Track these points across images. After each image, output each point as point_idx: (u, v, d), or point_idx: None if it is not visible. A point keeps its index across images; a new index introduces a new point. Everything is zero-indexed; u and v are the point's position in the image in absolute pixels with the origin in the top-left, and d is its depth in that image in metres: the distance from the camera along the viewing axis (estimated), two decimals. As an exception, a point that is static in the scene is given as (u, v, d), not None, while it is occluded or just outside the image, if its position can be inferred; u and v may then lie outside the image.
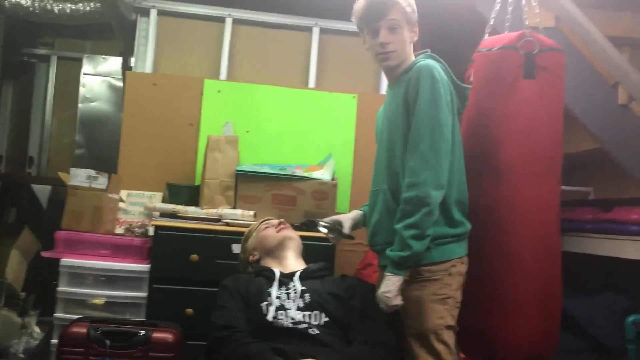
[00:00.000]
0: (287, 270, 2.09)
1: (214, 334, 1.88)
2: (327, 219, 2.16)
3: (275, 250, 2.17)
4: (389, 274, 1.81)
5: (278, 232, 2.20)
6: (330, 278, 2.13)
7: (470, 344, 2.17)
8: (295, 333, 1.86)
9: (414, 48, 2.03)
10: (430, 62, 1.91)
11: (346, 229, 2.11)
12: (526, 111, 2.02)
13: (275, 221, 2.27)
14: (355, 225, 2.16)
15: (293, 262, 2.15)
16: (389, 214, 1.93)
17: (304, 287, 1.99)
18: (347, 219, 2.15)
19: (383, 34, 1.93)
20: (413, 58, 2.01)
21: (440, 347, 1.82)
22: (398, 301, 1.80)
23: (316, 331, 1.87)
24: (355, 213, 2.19)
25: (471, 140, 2.13)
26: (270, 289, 1.98)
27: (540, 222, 2.02)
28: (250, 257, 2.22)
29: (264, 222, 2.28)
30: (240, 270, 2.28)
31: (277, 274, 2.04)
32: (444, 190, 1.82)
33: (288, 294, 1.97)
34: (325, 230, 2.12)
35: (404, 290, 1.83)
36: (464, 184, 1.96)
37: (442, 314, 1.85)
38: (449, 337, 1.85)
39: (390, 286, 1.79)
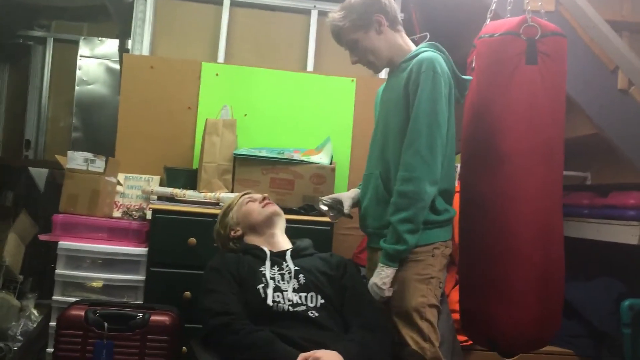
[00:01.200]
0: (276, 249, 2.04)
1: (211, 321, 1.79)
2: (328, 197, 2.21)
3: (261, 227, 2.10)
4: (383, 265, 1.88)
5: (263, 207, 2.12)
6: (318, 255, 2.09)
7: (472, 328, 2.19)
8: (295, 317, 1.83)
9: (414, 30, 2.04)
10: (433, 54, 1.91)
11: (346, 208, 2.16)
12: (528, 98, 2.01)
13: (259, 195, 2.18)
14: (355, 204, 2.19)
15: (280, 239, 2.10)
16: (377, 200, 1.99)
17: (297, 267, 1.96)
18: (347, 197, 2.18)
19: (350, 55, 2.08)
20: (401, 41, 2.05)
21: (423, 324, 1.87)
22: (390, 293, 1.88)
23: (315, 314, 1.85)
24: (355, 192, 2.21)
25: (473, 127, 2.13)
26: (262, 269, 1.93)
27: (542, 209, 2.02)
28: (232, 233, 2.13)
29: (246, 196, 2.20)
30: (219, 247, 2.19)
31: (268, 253, 1.99)
32: (438, 186, 1.88)
33: (282, 274, 1.94)
34: (325, 208, 2.17)
35: None
36: (453, 173, 2.01)
37: (425, 292, 1.89)
38: (432, 315, 1.91)
39: (384, 278, 1.87)
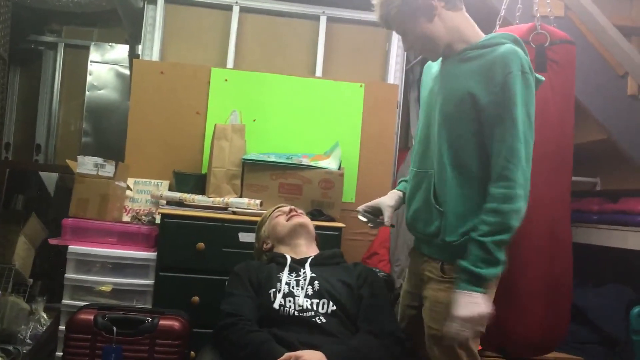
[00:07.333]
0: (299, 257, 2.07)
1: (220, 320, 1.87)
2: (366, 206, 2.03)
3: (286, 238, 2.15)
4: (469, 291, 1.62)
5: (288, 220, 2.17)
6: (343, 265, 2.11)
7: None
8: (300, 321, 1.86)
9: None
10: (515, 50, 1.66)
11: (386, 219, 1.96)
12: (537, 105, 1.98)
13: (287, 208, 2.24)
14: (396, 209, 2.02)
15: (305, 249, 2.13)
16: (428, 205, 1.77)
17: (313, 274, 1.98)
18: (387, 207, 1.97)
19: (402, 42, 1.83)
20: (461, 23, 1.75)
21: (462, 352, 1.72)
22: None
23: (322, 320, 1.87)
24: (394, 196, 2.01)
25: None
26: (280, 275, 1.97)
27: (551, 215, 2.01)
28: (264, 246, 2.21)
29: (276, 210, 2.26)
30: (254, 259, 2.26)
31: (289, 260, 2.03)
32: None
33: (297, 280, 1.96)
34: (365, 219, 2.03)
35: (431, 290, 1.77)
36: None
37: None
38: (474, 343, 1.74)
39: (480, 304, 1.61)
